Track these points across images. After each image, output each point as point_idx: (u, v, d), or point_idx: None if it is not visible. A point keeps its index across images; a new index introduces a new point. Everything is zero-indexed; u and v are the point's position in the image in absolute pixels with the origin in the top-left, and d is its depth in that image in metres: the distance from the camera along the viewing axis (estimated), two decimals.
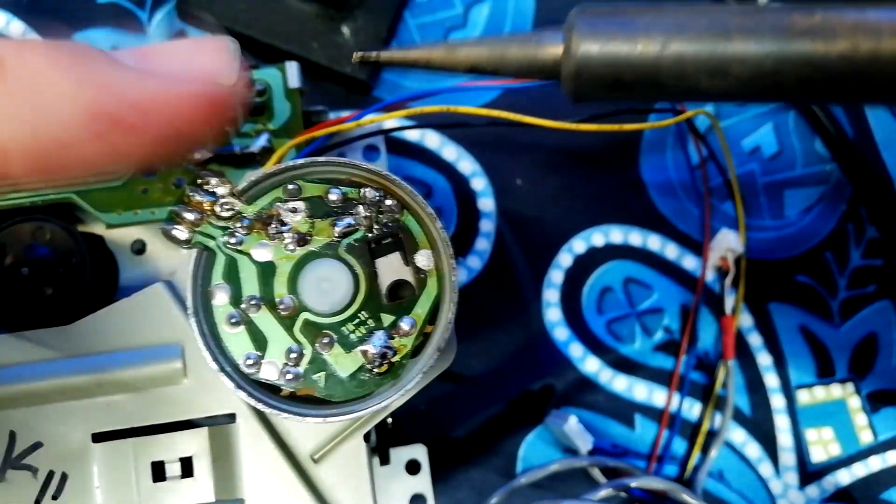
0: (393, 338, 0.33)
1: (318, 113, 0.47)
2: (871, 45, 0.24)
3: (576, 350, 0.54)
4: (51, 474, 0.37)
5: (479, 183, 0.55)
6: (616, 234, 0.55)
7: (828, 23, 0.25)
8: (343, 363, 0.33)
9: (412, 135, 0.56)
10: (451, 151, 0.55)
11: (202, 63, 0.27)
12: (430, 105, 0.43)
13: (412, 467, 0.48)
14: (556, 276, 0.55)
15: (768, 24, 0.26)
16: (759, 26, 0.26)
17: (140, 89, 0.24)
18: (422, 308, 0.34)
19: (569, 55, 0.27)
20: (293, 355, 0.33)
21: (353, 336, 0.33)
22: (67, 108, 0.22)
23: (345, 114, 0.46)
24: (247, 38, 0.54)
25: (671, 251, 0.55)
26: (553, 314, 0.54)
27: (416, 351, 0.34)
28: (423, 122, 0.53)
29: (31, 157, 0.22)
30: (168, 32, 0.55)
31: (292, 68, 0.45)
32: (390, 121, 0.52)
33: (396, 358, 0.33)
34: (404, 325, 0.33)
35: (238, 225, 0.33)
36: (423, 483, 0.48)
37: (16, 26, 0.55)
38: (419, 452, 0.49)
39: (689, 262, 0.55)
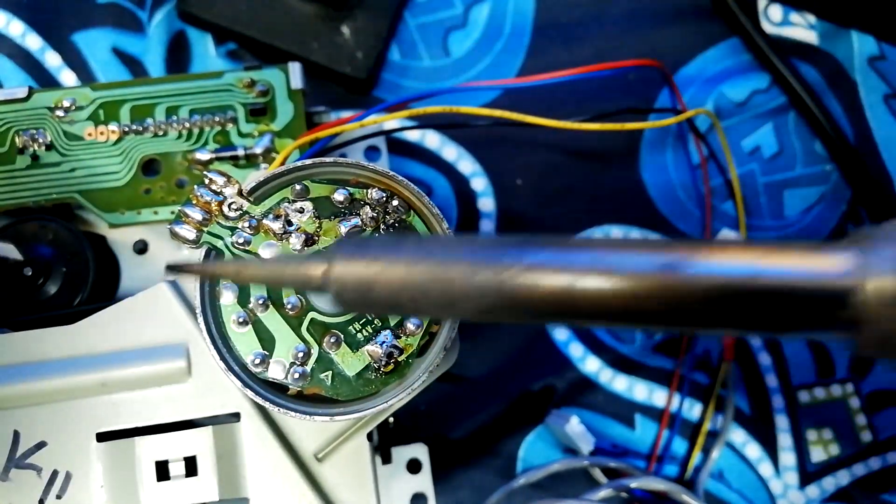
0: (399, 337, 0.33)
1: (319, 114, 0.47)
2: (566, 289, 0.26)
3: (576, 350, 0.54)
4: (55, 473, 0.37)
5: (479, 183, 0.55)
6: (616, 234, 0.55)
7: (532, 269, 0.27)
8: (350, 362, 0.33)
9: (412, 135, 0.56)
10: (451, 151, 0.55)
11: None
12: (431, 105, 0.44)
13: (413, 466, 0.49)
14: None
15: (483, 267, 0.27)
16: (476, 269, 0.27)
17: None
18: None
19: (329, 282, 0.29)
20: (300, 354, 0.33)
21: (359, 335, 0.33)
22: None
23: (346, 114, 0.46)
24: (247, 38, 0.54)
25: None
26: None
27: (421, 350, 0.34)
28: (423, 122, 0.53)
29: None
30: (168, 32, 0.55)
31: (295, 69, 0.45)
32: (391, 121, 0.52)
33: (402, 357, 0.33)
34: (410, 324, 0.33)
35: (245, 225, 0.33)
36: (424, 482, 0.48)
37: (16, 26, 0.55)
38: (420, 452, 0.49)
39: None
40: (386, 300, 0.28)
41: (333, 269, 0.29)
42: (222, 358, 0.32)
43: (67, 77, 0.54)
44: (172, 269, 0.33)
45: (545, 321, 0.28)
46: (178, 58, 0.55)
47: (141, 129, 0.43)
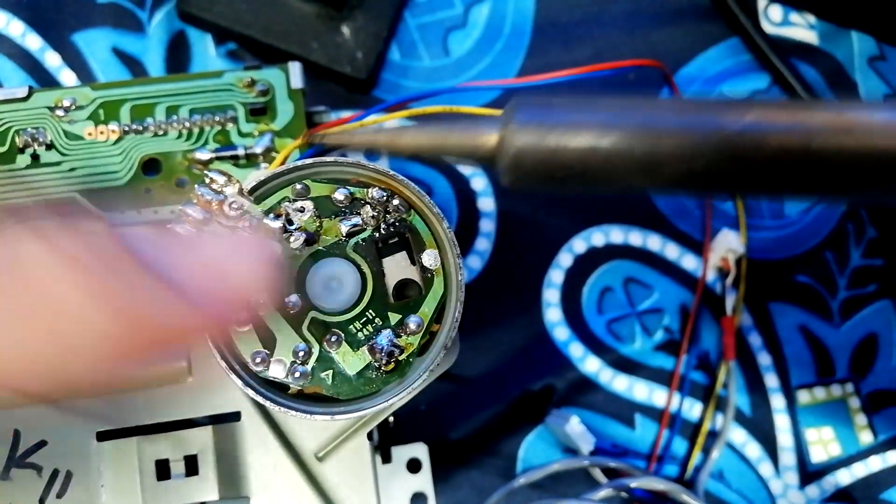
0: (400, 336, 0.33)
1: (319, 113, 0.47)
2: (801, 146, 0.24)
3: (576, 350, 0.54)
4: (55, 472, 0.37)
5: (479, 183, 0.55)
6: (616, 234, 0.55)
7: (758, 125, 0.25)
8: (350, 361, 0.33)
9: None
10: None
11: (238, 279, 0.25)
12: (431, 105, 0.43)
13: (413, 466, 0.49)
14: (556, 276, 0.55)
15: (700, 125, 0.26)
16: (691, 126, 0.26)
17: (168, 316, 0.22)
18: (428, 307, 0.34)
19: (504, 150, 0.27)
20: (301, 353, 0.33)
21: (360, 334, 0.33)
22: (93, 343, 0.21)
23: (346, 114, 0.46)
24: (247, 38, 0.54)
25: (671, 251, 0.55)
26: (553, 314, 0.54)
27: (422, 349, 0.34)
28: (423, 122, 0.53)
29: (47, 385, 0.21)
30: (168, 32, 0.55)
31: (295, 69, 0.45)
32: (391, 121, 0.52)
33: (403, 356, 0.33)
34: (411, 323, 0.33)
35: (246, 224, 0.33)
36: (424, 481, 0.48)
37: (16, 26, 0.55)
38: (420, 451, 0.49)
39: (690, 262, 0.55)
40: (573, 164, 0.26)
41: (510, 134, 0.27)
42: (223, 357, 0.32)
43: (67, 77, 0.54)
44: (310, 143, 0.32)
45: (761, 191, 0.26)
46: (178, 58, 0.55)
47: (141, 128, 0.43)
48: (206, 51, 0.56)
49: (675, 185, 0.26)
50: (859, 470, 0.54)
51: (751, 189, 0.26)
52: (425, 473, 0.48)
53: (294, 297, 0.33)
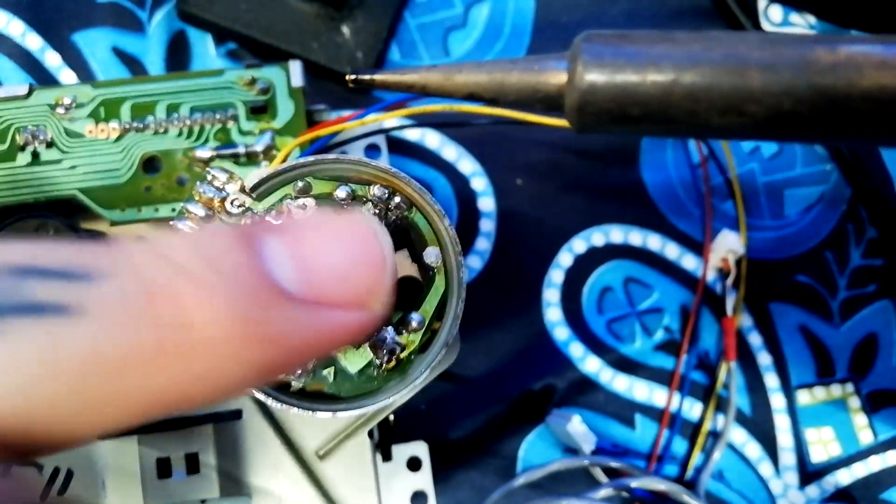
0: (401, 333, 0.33)
1: (319, 112, 0.47)
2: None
3: (576, 350, 0.54)
4: (56, 471, 0.36)
5: (480, 183, 0.55)
6: (616, 234, 0.55)
7: (853, 59, 0.24)
8: (352, 359, 0.33)
9: (413, 134, 0.56)
10: (451, 151, 0.55)
11: (359, 281, 0.22)
12: (431, 104, 0.43)
13: (413, 464, 0.48)
14: (556, 275, 0.55)
15: (789, 59, 0.24)
16: (779, 61, 0.24)
17: (302, 334, 0.21)
18: (429, 304, 0.34)
19: (573, 86, 0.26)
20: None
21: None
22: (229, 370, 0.19)
23: (346, 113, 0.46)
24: (247, 38, 0.54)
25: (671, 251, 0.55)
26: (553, 314, 0.54)
27: (423, 347, 0.34)
28: (423, 121, 0.53)
29: (180, 408, 0.19)
30: (168, 32, 0.55)
31: (295, 67, 0.45)
32: (391, 120, 0.52)
33: (404, 354, 0.33)
34: (412, 321, 0.33)
35: (247, 222, 0.33)
36: (424, 480, 0.48)
37: (16, 26, 0.55)
38: (420, 449, 0.49)
39: (690, 262, 0.55)
40: (651, 102, 0.25)
41: (580, 68, 0.26)
42: None
43: (67, 77, 0.54)
44: (357, 80, 0.31)
45: (851, 132, 0.25)
46: (178, 58, 0.55)
47: (142, 126, 0.43)
48: (206, 51, 0.56)
49: (759, 126, 0.25)
50: (859, 470, 0.54)
51: (840, 131, 0.25)
52: (425, 472, 0.48)
53: None
